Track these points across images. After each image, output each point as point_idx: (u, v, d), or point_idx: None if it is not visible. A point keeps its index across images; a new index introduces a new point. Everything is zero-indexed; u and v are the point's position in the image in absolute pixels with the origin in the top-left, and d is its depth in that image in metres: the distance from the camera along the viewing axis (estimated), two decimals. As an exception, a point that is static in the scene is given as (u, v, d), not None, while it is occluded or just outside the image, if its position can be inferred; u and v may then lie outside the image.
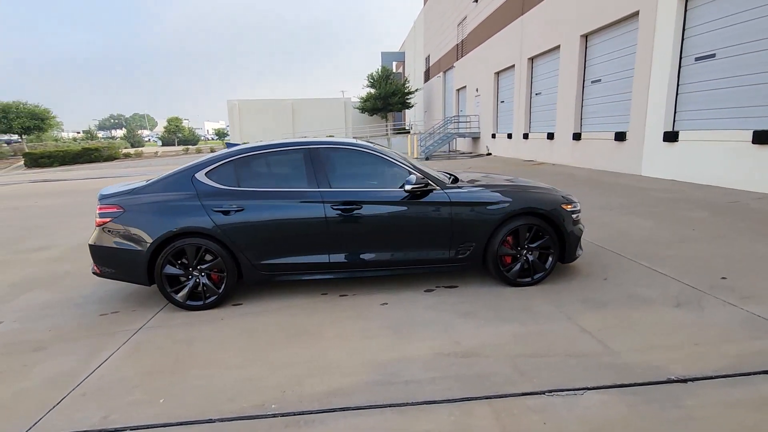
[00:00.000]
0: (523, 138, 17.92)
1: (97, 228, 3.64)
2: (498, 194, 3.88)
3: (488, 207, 3.81)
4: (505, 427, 2.11)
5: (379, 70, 35.38)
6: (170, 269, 3.60)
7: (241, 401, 2.39)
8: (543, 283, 3.97)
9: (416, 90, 36.32)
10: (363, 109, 35.43)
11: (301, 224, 3.67)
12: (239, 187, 3.71)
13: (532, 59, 17.20)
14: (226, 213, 3.59)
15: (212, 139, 63.49)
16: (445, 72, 31.10)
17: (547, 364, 2.64)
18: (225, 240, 3.59)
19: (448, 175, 4.55)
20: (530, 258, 3.90)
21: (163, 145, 62.82)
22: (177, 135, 62.34)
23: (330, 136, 32.96)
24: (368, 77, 35.04)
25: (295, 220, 3.67)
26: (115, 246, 3.61)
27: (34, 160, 32.10)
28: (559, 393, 2.35)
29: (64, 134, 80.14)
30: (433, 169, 4.45)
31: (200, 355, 2.94)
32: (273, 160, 3.85)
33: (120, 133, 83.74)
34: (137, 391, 2.53)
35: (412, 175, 3.72)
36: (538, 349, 2.83)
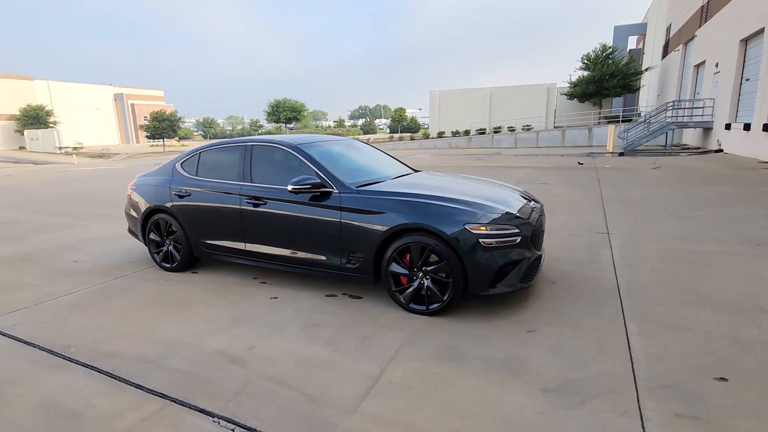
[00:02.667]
0: (763, 130, 12.79)
1: (126, 199, 5.03)
2: (385, 203, 3.39)
3: (374, 216, 3.39)
4: (141, 421, 2.19)
5: (598, 49, 30.43)
6: (153, 236, 4.68)
7: (67, 340, 3.13)
8: (448, 314, 3.30)
9: (647, 69, 29.81)
10: (571, 95, 31.34)
11: (224, 212, 4.14)
12: (195, 176, 4.44)
13: (792, 17, 11.95)
14: (180, 196, 4.40)
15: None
16: (685, 44, 24.43)
17: (271, 396, 2.40)
18: (178, 218, 4.40)
19: (403, 173, 4.23)
20: (426, 283, 3.28)
21: (391, 132, 71.15)
22: (401, 123, 69.65)
23: (527, 126, 30.81)
24: (582, 58, 30.70)
25: (221, 208, 4.17)
26: (130, 214, 4.93)
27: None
28: (222, 421, 2.18)
29: (325, 123, 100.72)
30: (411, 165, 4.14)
31: (114, 303, 3.84)
32: (224, 155, 4.40)
33: (361, 122, 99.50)
34: (49, 314, 3.60)
35: (301, 176, 3.65)
36: (295, 379, 2.56)
